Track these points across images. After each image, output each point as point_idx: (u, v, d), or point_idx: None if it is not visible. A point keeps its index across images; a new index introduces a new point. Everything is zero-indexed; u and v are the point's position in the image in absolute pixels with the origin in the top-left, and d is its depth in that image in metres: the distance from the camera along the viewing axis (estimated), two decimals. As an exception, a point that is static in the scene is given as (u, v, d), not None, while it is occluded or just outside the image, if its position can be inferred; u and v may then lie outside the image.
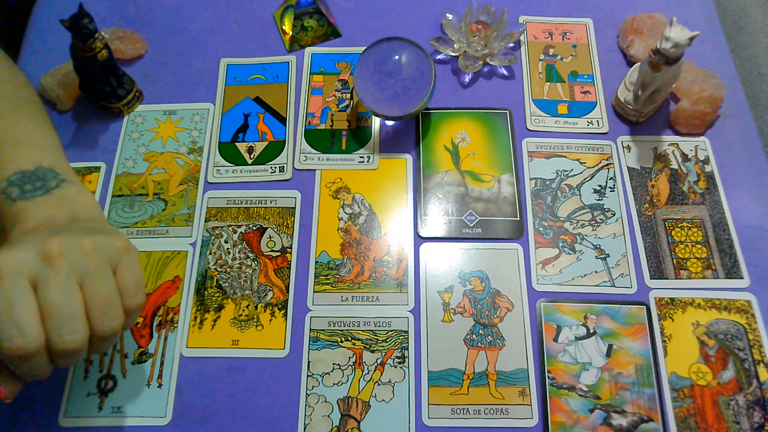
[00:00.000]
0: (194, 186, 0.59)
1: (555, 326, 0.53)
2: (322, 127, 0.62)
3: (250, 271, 0.55)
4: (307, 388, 0.50)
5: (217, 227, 0.57)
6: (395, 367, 0.51)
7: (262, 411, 0.50)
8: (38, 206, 0.43)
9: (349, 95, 0.64)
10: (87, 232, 0.39)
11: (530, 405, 0.50)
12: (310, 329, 0.53)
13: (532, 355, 0.52)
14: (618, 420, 0.49)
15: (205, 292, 0.54)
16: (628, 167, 0.60)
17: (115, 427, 0.49)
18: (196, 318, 0.53)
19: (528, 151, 0.61)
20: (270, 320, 0.53)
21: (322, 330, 0.53)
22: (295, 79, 0.65)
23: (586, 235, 0.57)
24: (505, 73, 0.65)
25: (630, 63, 0.66)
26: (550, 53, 0.66)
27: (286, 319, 0.53)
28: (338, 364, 0.51)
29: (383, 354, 0.51)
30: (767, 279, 0.55)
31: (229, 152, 0.61)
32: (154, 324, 0.53)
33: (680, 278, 0.55)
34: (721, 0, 0.79)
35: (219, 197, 0.59)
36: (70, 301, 0.36)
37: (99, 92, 0.60)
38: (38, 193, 0.44)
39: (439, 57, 0.66)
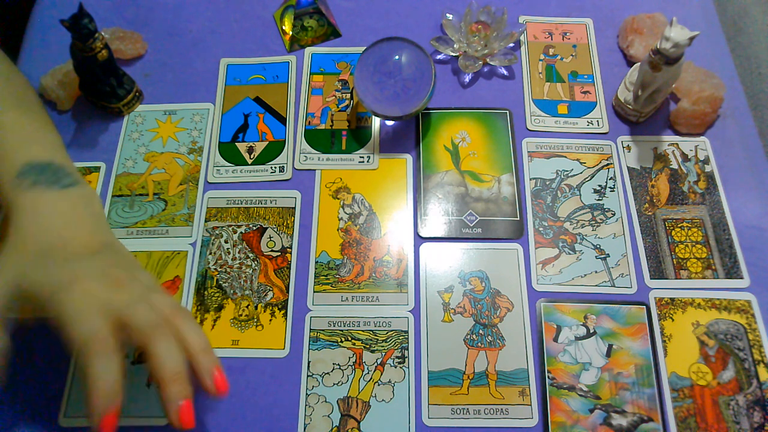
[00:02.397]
0: (194, 186, 0.59)
1: (555, 326, 0.53)
2: (322, 127, 0.62)
3: (250, 271, 0.55)
4: (307, 388, 0.50)
5: (217, 227, 0.57)
6: (395, 367, 0.51)
7: (262, 411, 0.50)
8: (56, 201, 0.42)
9: (349, 95, 0.64)
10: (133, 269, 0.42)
11: (530, 405, 0.50)
12: (310, 329, 0.53)
13: (532, 355, 0.52)
14: (618, 420, 0.49)
15: (205, 292, 0.54)
16: (628, 167, 0.60)
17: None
18: (196, 318, 0.53)
19: (528, 151, 0.61)
20: (270, 320, 0.53)
21: (322, 330, 0.53)
22: (295, 79, 0.65)
23: (586, 235, 0.57)
24: (505, 73, 0.65)
25: (630, 63, 0.66)
26: (550, 53, 0.66)
27: (286, 319, 0.53)
28: (338, 364, 0.51)
29: (383, 354, 0.51)
30: (767, 279, 0.55)
31: (229, 152, 0.61)
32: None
33: (680, 278, 0.55)
34: (721, 0, 0.79)
35: (219, 197, 0.59)
36: (158, 315, 0.39)
37: (99, 92, 0.60)
38: (54, 187, 0.42)
39: (439, 57, 0.66)
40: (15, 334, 0.52)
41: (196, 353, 0.40)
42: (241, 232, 0.57)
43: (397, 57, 0.56)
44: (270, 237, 0.57)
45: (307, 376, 0.51)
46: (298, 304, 0.54)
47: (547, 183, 0.59)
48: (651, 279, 0.55)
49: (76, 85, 0.61)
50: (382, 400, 0.50)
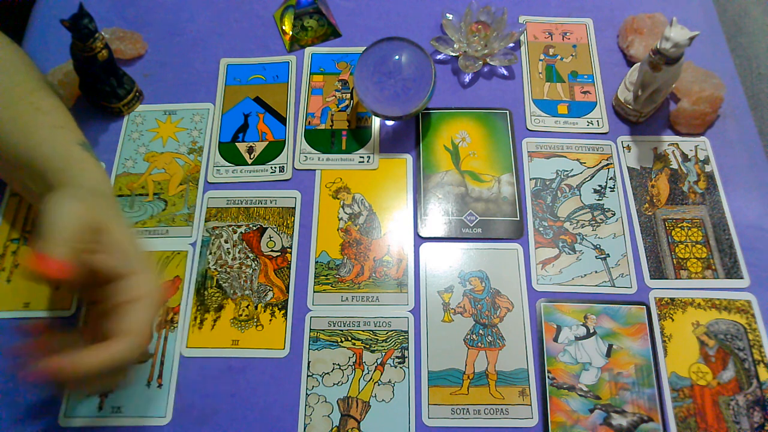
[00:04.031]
0: (194, 186, 0.59)
1: (555, 326, 0.53)
2: (322, 127, 0.62)
3: (250, 271, 0.55)
4: (307, 388, 0.50)
5: (217, 227, 0.57)
6: (395, 367, 0.51)
7: (262, 411, 0.50)
8: (98, 170, 0.49)
9: (349, 95, 0.64)
10: None
11: (530, 405, 0.50)
12: (310, 329, 0.53)
13: (532, 355, 0.52)
14: (618, 420, 0.49)
15: (205, 292, 0.54)
16: (628, 167, 0.60)
17: (115, 427, 0.49)
18: (196, 318, 0.53)
19: (528, 151, 0.61)
20: (270, 320, 0.53)
21: (322, 330, 0.53)
22: (295, 79, 0.65)
23: (586, 235, 0.57)
24: (505, 73, 0.65)
25: (630, 63, 0.66)
26: (550, 53, 0.66)
27: (286, 319, 0.53)
28: (338, 364, 0.51)
29: (383, 354, 0.51)
30: (767, 279, 0.55)
31: (229, 152, 0.61)
32: (154, 324, 0.53)
33: (680, 278, 0.55)
34: (721, 0, 0.79)
35: (219, 197, 0.58)
36: None
37: (99, 92, 0.60)
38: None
39: (439, 57, 0.66)
40: (15, 334, 0.52)
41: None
42: (241, 232, 0.57)
43: (397, 57, 0.56)
44: (270, 237, 0.57)
45: (307, 376, 0.51)
46: (298, 304, 0.54)
47: (547, 183, 0.59)
48: (651, 279, 0.55)
49: (76, 85, 0.61)
50: (382, 400, 0.50)
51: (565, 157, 0.60)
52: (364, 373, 0.51)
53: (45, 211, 0.40)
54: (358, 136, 0.62)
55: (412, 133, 0.62)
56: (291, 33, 0.67)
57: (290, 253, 0.56)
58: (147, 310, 0.41)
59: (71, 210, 0.40)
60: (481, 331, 0.52)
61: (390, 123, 0.62)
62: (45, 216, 0.39)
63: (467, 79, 0.65)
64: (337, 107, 0.63)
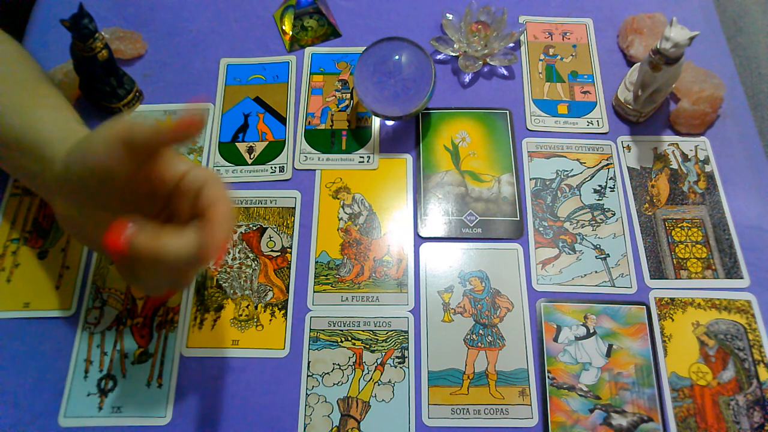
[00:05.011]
0: (194, 186, 0.59)
1: (555, 326, 0.53)
2: (322, 127, 0.62)
3: (250, 271, 0.55)
4: (307, 388, 0.50)
5: (217, 227, 0.57)
6: (395, 367, 0.51)
7: (262, 411, 0.50)
8: None
9: (349, 95, 0.64)
10: None
11: (530, 405, 0.50)
12: (310, 329, 0.53)
13: (532, 355, 0.52)
14: (618, 420, 0.49)
15: (205, 292, 0.54)
16: (628, 167, 0.60)
17: (115, 427, 0.49)
18: (196, 318, 0.53)
19: (528, 151, 0.61)
20: (270, 320, 0.53)
21: (322, 330, 0.53)
22: (295, 79, 0.65)
23: (586, 235, 0.57)
24: (505, 73, 0.65)
25: (630, 63, 0.66)
26: (550, 53, 0.66)
27: (286, 319, 0.53)
28: (338, 364, 0.51)
29: (383, 354, 0.51)
30: (767, 279, 0.55)
31: (229, 152, 0.61)
32: (154, 324, 0.53)
33: (680, 278, 0.55)
34: (721, 0, 0.79)
35: (219, 197, 0.58)
36: None
37: (99, 92, 0.60)
38: None
39: (439, 57, 0.66)
40: (15, 334, 0.52)
41: None
42: (241, 232, 0.57)
43: (397, 57, 0.56)
44: (270, 237, 0.57)
45: (307, 376, 0.51)
46: (298, 304, 0.54)
47: (547, 183, 0.59)
48: (651, 279, 0.55)
49: (76, 85, 0.61)
50: (382, 400, 0.50)
51: (565, 157, 0.60)
52: (364, 373, 0.51)
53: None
54: (358, 136, 0.62)
55: (412, 133, 0.62)
56: (291, 33, 0.67)
57: (290, 253, 0.56)
58: (218, 186, 0.39)
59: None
60: (481, 331, 0.52)
61: (390, 123, 0.62)
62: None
63: (467, 79, 0.65)
64: (337, 107, 0.63)
